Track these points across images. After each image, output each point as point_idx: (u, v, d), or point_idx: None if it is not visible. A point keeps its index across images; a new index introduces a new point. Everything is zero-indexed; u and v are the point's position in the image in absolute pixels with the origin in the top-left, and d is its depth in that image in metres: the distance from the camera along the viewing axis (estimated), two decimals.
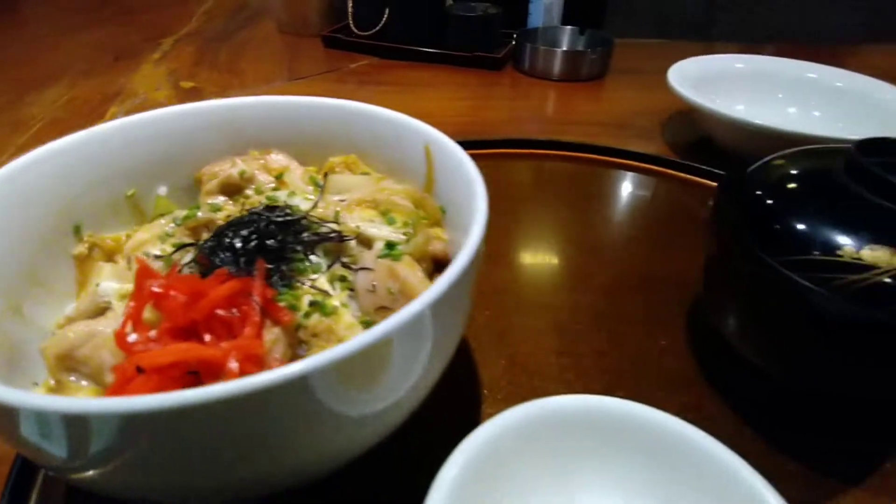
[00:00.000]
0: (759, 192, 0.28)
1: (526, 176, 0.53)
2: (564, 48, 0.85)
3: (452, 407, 0.25)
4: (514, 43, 0.82)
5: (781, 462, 0.27)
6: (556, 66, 0.79)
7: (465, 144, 0.56)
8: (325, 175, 0.32)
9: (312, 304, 0.24)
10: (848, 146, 0.30)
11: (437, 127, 0.66)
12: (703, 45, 0.93)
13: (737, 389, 0.31)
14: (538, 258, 0.41)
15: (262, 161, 0.33)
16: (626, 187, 0.52)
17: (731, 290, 0.28)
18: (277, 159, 0.33)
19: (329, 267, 0.26)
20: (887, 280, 0.22)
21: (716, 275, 0.29)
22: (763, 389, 0.30)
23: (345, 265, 0.27)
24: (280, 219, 0.27)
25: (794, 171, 0.28)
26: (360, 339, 0.18)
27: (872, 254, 0.23)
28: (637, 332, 0.35)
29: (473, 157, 0.53)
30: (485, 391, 0.31)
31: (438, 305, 0.20)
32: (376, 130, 0.32)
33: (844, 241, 0.23)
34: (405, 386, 0.22)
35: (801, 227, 0.25)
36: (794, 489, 0.21)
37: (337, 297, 0.25)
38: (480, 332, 0.34)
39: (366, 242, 0.28)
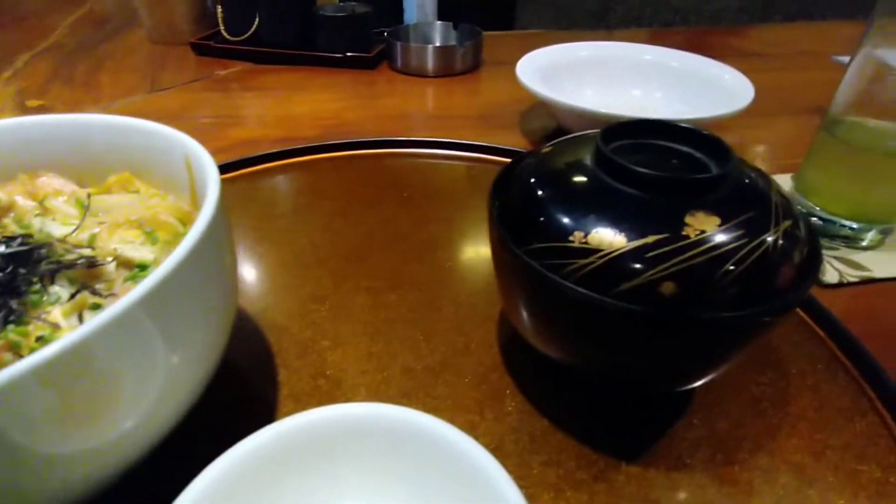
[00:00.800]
0: (515, 181, 0.28)
1: (362, 175, 0.52)
2: (437, 44, 0.85)
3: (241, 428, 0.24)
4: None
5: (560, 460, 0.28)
6: (430, 62, 0.79)
7: (319, 148, 0.57)
8: (89, 196, 0.30)
9: (39, 339, 0.23)
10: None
11: (303, 130, 0.65)
12: (574, 33, 0.95)
13: (538, 381, 0.31)
14: (358, 262, 0.41)
15: (28, 186, 0.31)
16: (456, 181, 0.51)
17: (503, 280, 0.29)
18: (48, 182, 0.31)
19: (74, 296, 0.25)
20: (601, 263, 0.23)
21: (496, 266, 0.29)
22: (559, 379, 0.31)
23: (96, 292, 0.25)
24: (12, 250, 0.25)
25: (553, 159, 0.29)
26: (40, 352, 0.17)
27: (597, 237, 0.23)
28: (449, 331, 0.35)
29: (327, 160, 0.51)
30: (282, 410, 0.30)
31: (152, 305, 0.20)
32: (146, 144, 0.30)
33: (577, 226, 0.24)
34: (138, 409, 0.21)
35: (543, 214, 0.25)
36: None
37: (69, 329, 0.23)
38: (290, 344, 0.34)
39: (127, 265, 0.27)
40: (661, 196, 0.24)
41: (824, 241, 0.44)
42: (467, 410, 0.30)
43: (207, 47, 0.86)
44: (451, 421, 0.29)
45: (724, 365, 0.26)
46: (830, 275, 0.41)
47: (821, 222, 0.44)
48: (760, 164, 0.58)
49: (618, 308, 0.22)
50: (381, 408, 0.23)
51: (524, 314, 0.28)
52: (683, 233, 0.22)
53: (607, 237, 0.23)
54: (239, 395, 0.31)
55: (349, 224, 0.44)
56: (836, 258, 0.43)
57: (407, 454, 0.23)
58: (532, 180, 0.27)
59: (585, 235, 0.24)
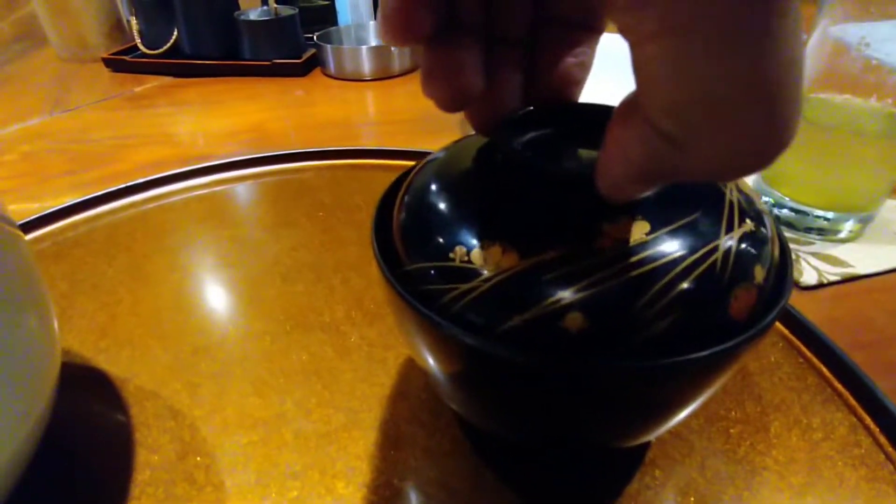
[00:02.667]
0: (402, 188, 0.22)
1: (271, 195, 0.45)
2: (373, 44, 0.79)
3: None
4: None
5: None
6: (365, 64, 0.73)
7: (221, 167, 0.50)
8: None
9: None
10: None
11: (215, 146, 0.58)
12: None
13: (464, 443, 0.25)
14: (254, 301, 0.34)
15: None
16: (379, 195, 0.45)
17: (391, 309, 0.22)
18: None
19: None
20: (486, 288, 0.16)
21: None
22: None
23: None
24: None
25: (449, 160, 0.22)
26: None
27: (482, 254, 0.17)
28: (357, 382, 0.28)
29: (233, 179, 0.43)
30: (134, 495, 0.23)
31: None
32: None
33: (459, 239, 0.18)
34: None
35: (421, 224, 0.19)
36: None
37: None
38: (156, 415, 0.27)
39: None
40: (572, 198, 0.17)
41: (798, 236, 0.39)
42: (376, 489, 0.23)
43: (122, 63, 0.78)
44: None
45: (669, 420, 0.20)
46: (808, 275, 0.35)
47: (792, 214, 0.39)
48: None
49: (500, 353, 0.16)
50: None
51: (415, 355, 0.21)
52: (597, 244, 0.16)
53: (494, 253, 0.17)
54: (75, 486, 0.24)
55: (248, 255, 0.38)
56: (812, 254, 0.37)
57: None
58: (417, 185, 0.21)
59: (468, 252, 0.17)
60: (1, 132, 0.62)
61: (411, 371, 0.28)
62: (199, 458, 0.25)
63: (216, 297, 0.34)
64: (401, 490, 0.23)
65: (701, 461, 0.24)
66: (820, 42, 0.37)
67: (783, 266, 0.19)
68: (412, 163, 0.47)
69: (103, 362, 0.29)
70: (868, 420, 0.25)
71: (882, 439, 0.24)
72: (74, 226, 0.41)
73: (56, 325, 0.23)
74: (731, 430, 0.25)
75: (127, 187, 0.45)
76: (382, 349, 0.30)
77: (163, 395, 0.28)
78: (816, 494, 0.23)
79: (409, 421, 0.26)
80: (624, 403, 0.18)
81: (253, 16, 0.75)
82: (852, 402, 0.26)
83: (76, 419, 0.26)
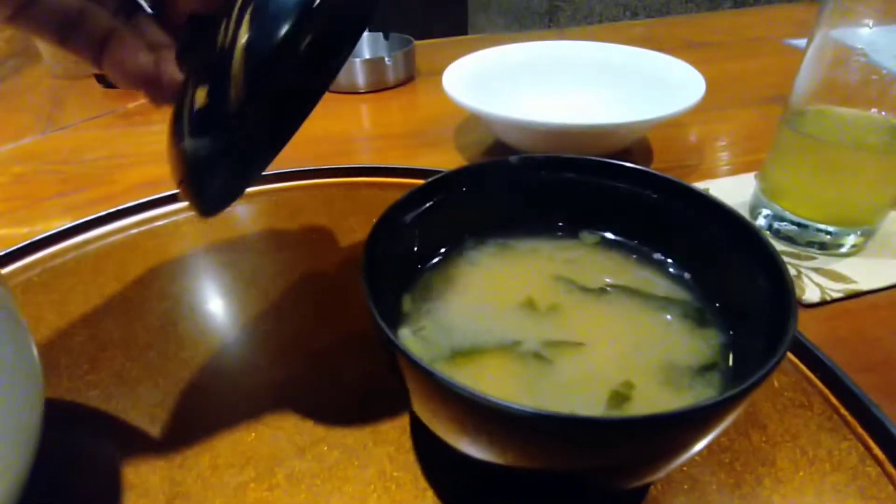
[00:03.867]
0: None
1: (262, 217, 0.44)
2: (367, 56, 0.79)
3: None
4: None
5: None
6: (359, 76, 0.72)
7: None
8: None
9: None
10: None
11: None
12: (518, 35, 0.89)
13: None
14: (236, 329, 0.33)
15: None
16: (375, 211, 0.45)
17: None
18: None
19: None
20: None
21: None
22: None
23: None
24: None
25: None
26: None
27: None
28: (350, 414, 0.28)
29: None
30: None
31: None
32: None
33: None
34: None
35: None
36: None
37: None
38: (148, 448, 0.26)
39: None
40: None
41: (798, 250, 0.38)
42: None
43: None
44: None
45: (679, 460, 0.19)
46: (811, 292, 0.35)
47: (793, 228, 0.39)
48: (722, 164, 0.53)
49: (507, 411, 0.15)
50: None
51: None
52: None
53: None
54: None
55: (240, 282, 0.37)
56: (813, 270, 0.37)
57: None
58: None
59: None
60: None
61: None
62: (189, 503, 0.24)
63: (208, 327, 0.33)
64: None
65: (704, 498, 0.23)
66: (820, 49, 0.36)
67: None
68: (408, 181, 0.46)
69: (92, 398, 0.29)
70: (877, 450, 0.24)
71: (890, 468, 0.24)
72: (64, 252, 0.41)
73: (38, 361, 0.22)
74: (736, 464, 0.24)
75: (116, 211, 0.44)
76: (379, 380, 0.29)
77: (152, 433, 0.27)
78: None
79: (406, 458, 0.25)
80: (619, 456, 0.17)
81: None
82: (860, 430, 0.25)
83: (62, 460, 0.26)
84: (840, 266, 0.37)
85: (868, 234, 0.38)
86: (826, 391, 0.27)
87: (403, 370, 0.18)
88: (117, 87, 0.78)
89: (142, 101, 0.74)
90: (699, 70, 0.51)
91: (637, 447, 0.16)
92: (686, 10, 1.72)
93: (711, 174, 0.50)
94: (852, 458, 0.24)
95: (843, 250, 0.38)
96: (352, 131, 0.65)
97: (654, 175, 0.26)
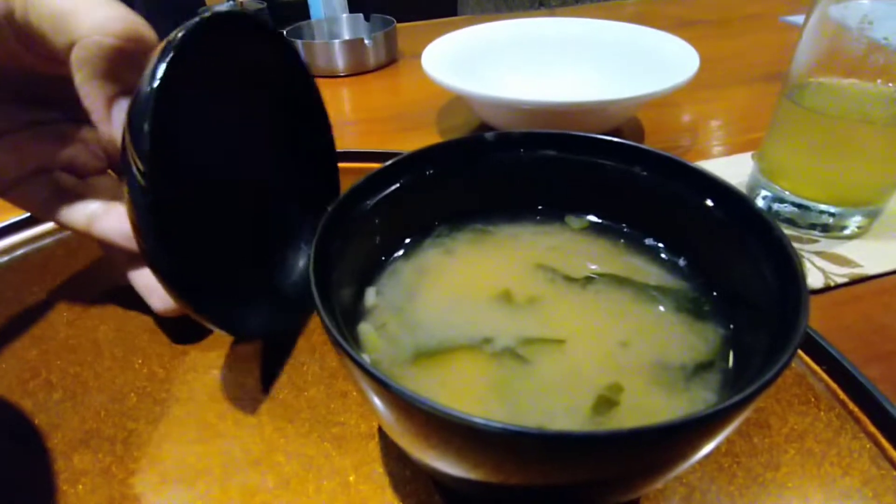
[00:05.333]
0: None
1: None
2: (346, 38, 0.75)
3: None
4: None
5: None
6: (339, 59, 0.69)
7: None
8: None
9: None
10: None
11: None
12: (502, 17, 0.86)
13: None
14: (191, 330, 0.30)
15: None
16: None
17: None
18: None
19: None
20: None
21: None
22: None
23: None
24: None
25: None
26: None
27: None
28: (312, 420, 0.25)
29: None
30: None
31: None
32: None
33: None
34: None
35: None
36: None
37: None
38: (86, 464, 0.23)
39: None
40: None
41: (800, 233, 0.36)
42: None
43: None
44: None
45: (671, 474, 0.16)
46: (813, 277, 0.32)
47: (793, 210, 0.36)
48: (716, 144, 0.51)
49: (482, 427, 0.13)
50: None
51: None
52: None
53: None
54: None
55: None
56: (816, 253, 0.34)
57: None
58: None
59: None
60: None
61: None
62: None
63: (163, 327, 0.31)
64: None
65: None
66: (820, 23, 0.34)
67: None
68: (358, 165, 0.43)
69: (29, 407, 0.26)
70: (891, 450, 0.22)
71: None
72: (12, 247, 0.38)
73: None
74: (736, 469, 0.22)
75: None
76: (343, 381, 0.26)
77: (92, 446, 0.24)
78: None
79: (370, 468, 0.23)
80: (602, 472, 0.14)
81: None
82: (871, 428, 0.23)
83: None
84: (844, 249, 0.35)
85: (873, 215, 0.35)
86: (833, 385, 0.25)
87: (355, 376, 0.16)
88: None
89: None
90: (694, 47, 0.48)
91: (623, 463, 0.14)
92: None
93: (705, 154, 0.48)
94: (864, 460, 0.22)
95: (847, 232, 0.35)
96: (332, 115, 0.62)
97: (646, 150, 0.23)
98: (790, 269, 0.17)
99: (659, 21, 0.82)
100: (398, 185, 0.23)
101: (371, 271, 0.23)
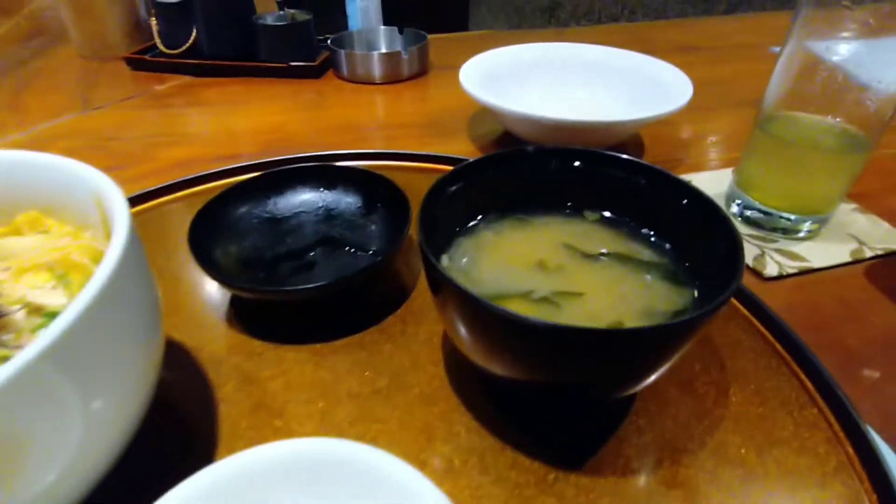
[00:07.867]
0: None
1: None
2: (383, 50, 0.84)
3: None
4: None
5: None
6: (376, 69, 0.78)
7: (256, 167, 0.54)
8: None
9: None
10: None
11: (243, 147, 0.63)
12: (521, 33, 0.95)
13: (484, 399, 0.31)
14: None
15: None
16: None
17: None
18: None
19: None
20: None
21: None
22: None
23: (3, 344, 0.24)
24: None
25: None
26: None
27: None
28: (395, 352, 0.34)
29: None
30: (222, 447, 0.29)
31: (58, 355, 0.19)
32: (52, 181, 0.28)
33: None
34: (56, 462, 0.20)
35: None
36: None
37: None
38: (230, 377, 0.32)
39: (38, 312, 0.25)
40: None
41: (765, 234, 0.45)
42: (417, 433, 0.29)
43: (143, 61, 0.82)
44: (401, 445, 0.28)
45: (655, 372, 0.25)
46: (771, 268, 0.42)
47: (761, 215, 0.45)
48: (705, 159, 0.60)
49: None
50: (323, 443, 0.22)
51: (447, 322, 0.27)
52: None
53: None
54: (176, 434, 0.29)
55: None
56: (775, 250, 0.44)
57: (349, 492, 0.22)
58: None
59: None
60: (38, 128, 0.66)
61: (439, 343, 0.34)
62: (266, 411, 0.30)
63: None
64: (435, 437, 0.29)
65: (675, 412, 0.30)
66: (789, 59, 0.42)
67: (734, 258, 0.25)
68: (429, 165, 0.52)
69: (179, 337, 0.35)
70: (809, 385, 0.31)
71: (817, 397, 0.31)
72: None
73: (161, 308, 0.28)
74: (700, 390, 0.31)
75: (166, 186, 0.50)
76: (415, 326, 0.35)
77: (232, 363, 0.33)
78: (763, 436, 0.29)
79: (439, 388, 0.32)
80: (614, 361, 0.24)
81: (270, 20, 0.80)
82: (802, 375, 0.32)
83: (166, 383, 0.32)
84: (797, 248, 0.44)
85: (822, 222, 0.45)
86: (775, 343, 0.34)
87: (444, 293, 0.24)
88: (144, 71, 0.82)
89: (168, 83, 0.79)
90: (689, 72, 0.57)
91: (628, 352, 0.23)
92: (682, 10, 1.78)
93: (696, 168, 0.57)
94: (788, 390, 0.31)
95: (801, 235, 0.45)
96: (367, 119, 0.70)
97: (644, 165, 0.32)
98: (736, 251, 0.26)
99: (658, 45, 0.91)
100: (465, 181, 0.32)
101: (444, 243, 0.32)
